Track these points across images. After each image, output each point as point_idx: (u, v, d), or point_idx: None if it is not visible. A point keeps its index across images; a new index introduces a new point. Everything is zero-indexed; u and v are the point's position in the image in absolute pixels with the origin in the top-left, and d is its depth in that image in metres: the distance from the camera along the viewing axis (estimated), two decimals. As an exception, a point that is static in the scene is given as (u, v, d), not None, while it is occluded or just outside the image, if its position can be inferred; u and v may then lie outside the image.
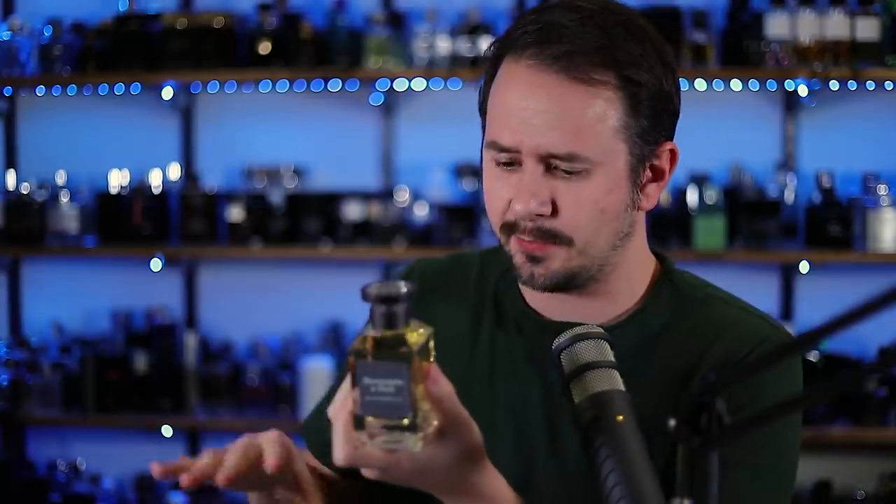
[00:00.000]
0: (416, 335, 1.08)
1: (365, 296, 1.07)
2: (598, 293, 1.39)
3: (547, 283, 1.34)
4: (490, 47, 1.38)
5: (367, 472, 1.13)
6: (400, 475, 1.12)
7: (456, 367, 1.44)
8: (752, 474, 1.31)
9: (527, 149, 1.30)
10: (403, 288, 1.07)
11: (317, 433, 1.51)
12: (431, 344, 1.11)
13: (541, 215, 1.31)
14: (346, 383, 1.10)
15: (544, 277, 1.34)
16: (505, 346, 1.43)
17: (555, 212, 1.31)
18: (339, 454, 1.10)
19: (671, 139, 1.37)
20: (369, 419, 1.08)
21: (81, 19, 3.68)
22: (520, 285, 1.44)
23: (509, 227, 1.34)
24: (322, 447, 1.48)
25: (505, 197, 1.33)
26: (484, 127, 1.38)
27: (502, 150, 1.32)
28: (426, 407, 1.09)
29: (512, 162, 1.32)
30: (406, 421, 1.07)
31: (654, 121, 1.33)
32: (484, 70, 1.39)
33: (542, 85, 1.29)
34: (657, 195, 1.39)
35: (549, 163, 1.30)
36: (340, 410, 1.10)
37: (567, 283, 1.35)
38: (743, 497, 1.30)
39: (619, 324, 1.38)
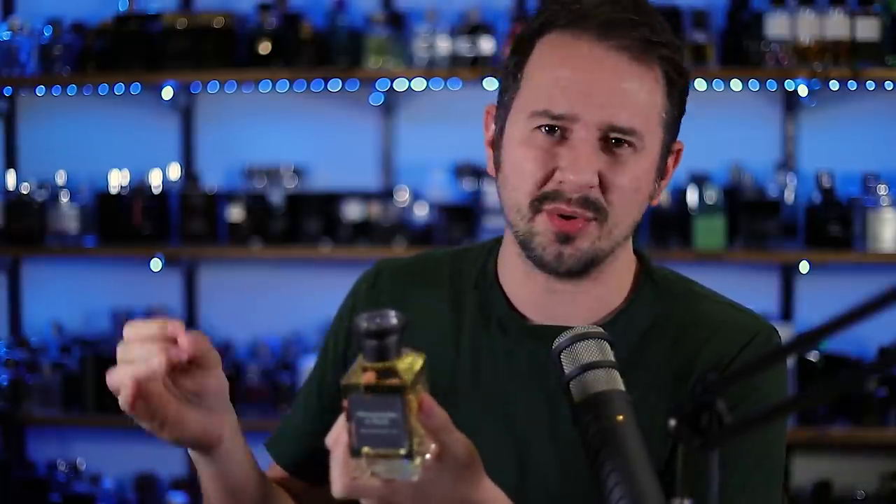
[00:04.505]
0: (409, 365, 1.07)
1: (355, 329, 1.07)
2: (596, 282, 1.38)
3: (574, 263, 1.34)
4: (531, 22, 1.38)
5: (366, 502, 1.13)
6: (400, 500, 1.11)
7: (439, 366, 1.43)
8: (748, 473, 1.32)
9: (588, 119, 1.31)
10: (394, 320, 1.06)
11: (287, 447, 1.53)
12: (425, 371, 1.10)
13: (591, 187, 1.31)
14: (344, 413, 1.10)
15: (573, 257, 1.34)
16: (489, 347, 1.43)
17: (602, 186, 1.32)
18: (337, 485, 1.10)
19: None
20: (366, 449, 1.08)
21: (81, 19, 3.68)
22: (503, 287, 1.43)
23: (545, 199, 1.33)
24: (287, 458, 1.51)
25: (545, 168, 1.33)
26: (510, 98, 1.37)
27: (555, 117, 1.31)
28: (422, 432, 1.09)
29: (555, 129, 1.32)
30: (403, 451, 1.07)
31: (679, 112, 1.38)
32: (515, 44, 1.39)
33: (604, 61, 1.31)
34: (661, 193, 1.41)
35: (605, 136, 1.32)
36: (338, 440, 1.10)
37: (588, 267, 1.35)
38: (739, 496, 1.30)
39: (606, 324, 1.38)
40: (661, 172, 1.38)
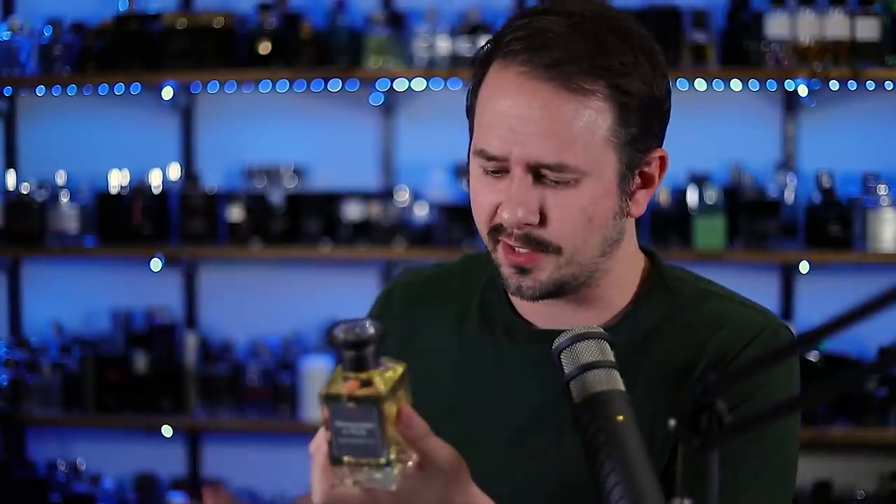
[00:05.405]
0: (387, 376, 1.08)
1: (332, 340, 1.07)
2: (589, 299, 1.38)
3: (535, 293, 1.34)
4: (480, 49, 1.37)
5: None
6: None
7: (446, 378, 1.43)
8: (754, 473, 1.31)
9: (515, 158, 1.29)
10: (371, 330, 1.06)
11: None
12: (406, 380, 1.10)
13: (528, 224, 1.30)
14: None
15: (532, 289, 1.33)
16: (495, 354, 1.42)
17: (543, 220, 1.30)
18: (317, 493, 1.10)
19: (661, 145, 1.36)
20: (346, 458, 1.08)
21: (81, 19, 3.68)
22: (509, 294, 1.43)
23: (496, 231, 1.33)
24: None
25: (492, 202, 1.32)
26: (471, 130, 1.37)
27: (490, 158, 1.31)
28: (402, 441, 1.09)
29: (500, 170, 1.31)
30: (381, 460, 1.07)
31: (643, 128, 1.32)
32: (473, 66, 1.38)
33: (532, 93, 1.28)
34: (646, 201, 1.37)
35: (537, 172, 1.29)
36: (319, 448, 1.10)
37: (556, 292, 1.34)
38: (744, 496, 1.30)
39: (612, 326, 1.37)
40: (628, 190, 1.33)
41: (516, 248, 1.32)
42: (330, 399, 1.07)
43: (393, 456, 1.08)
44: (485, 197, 1.33)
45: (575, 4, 1.32)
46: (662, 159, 1.37)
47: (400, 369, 1.10)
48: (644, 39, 1.33)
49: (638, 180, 1.35)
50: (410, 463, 1.10)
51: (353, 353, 1.07)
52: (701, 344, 1.36)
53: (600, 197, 1.31)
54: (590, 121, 1.28)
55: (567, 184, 1.29)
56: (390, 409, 1.07)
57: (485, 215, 1.34)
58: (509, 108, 1.29)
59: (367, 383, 1.06)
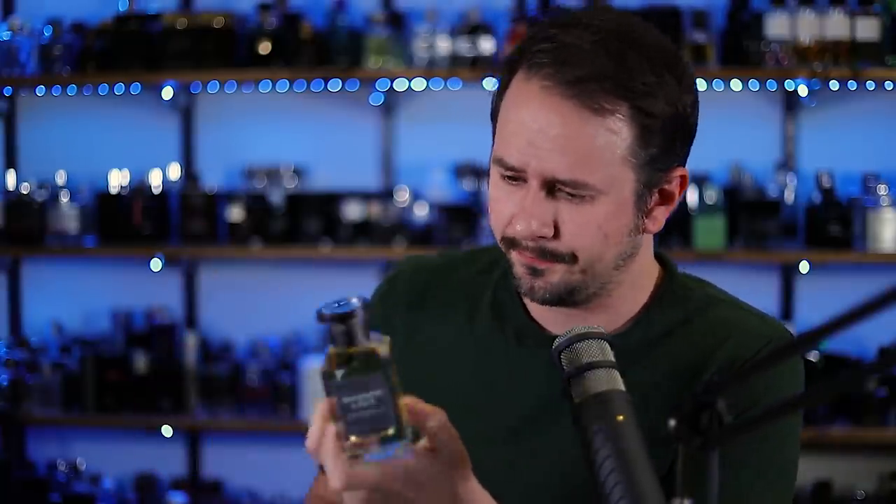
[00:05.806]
0: (382, 344, 1.08)
1: (320, 318, 1.08)
2: (602, 307, 1.39)
3: (547, 296, 1.34)
4: (508, 56, 1.36)
5: (360, 496, 1.12)
6: (396, 487, 1.11)
7: (453, 375, 1.43)
8: (755, 473, 1.31)
9: (532, 171, 1.29)
10: (356, 302, 1.08)
11: None
12: (392, 354, 1.11)
13: (542, 237, 1.31)
14: (318, 412, 1.10)
15: (544, 290, 1.34)
16: (505, 354, 1.43)
17: (556, 233, 1.31)
18: (335, 478, 1.10)
19: (684, 164, 1.36)
20: (354, 439, 1.08)
21: (81, 19, 3.68)
22: (521, 296, 1.43)
23: (510, 242, 1.34)
24: None
25: (508, 212, 1.33)
26: (494, 134, 1.37)
27: (508, 168, 1.31)
28: (408, 417, 1.09)
29: (517, 178, 1.32)
30: (392, 430, 1.07)
31: (665, 149, 1.32)
32: (498, 74, 1.37)
33: (553, 109, 1.28)
34: (664, 218, 1.37)
35: (553, 186, 1.30)
36: (322, 439, 1.10)
37: (567, 298, 1.35)
38: (746, 496, 1.30)
39: (622, 332, 1.38)
40: (645, 208, 1.34)
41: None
42: (331, 376, 1.07)
43: (403, 426, 1.08)
44: (503, 206, 1.34)
45: (602, 16, 1.32)
46: (683, 178, 1.37)
47: (387, 342, 1.10)
48: (669, 54, 1.32)
49: (657, 197, 1.35)
50: (420, 444, 1.10)
51: (342, 328, 1.07)
52: (709, 351, 1.36)
53: (615, 214, 1.31)
54: (608, 140, 1.28)
55: (582, 199, 1.30)
56: (395, 375, 1.08)
57: (500, 224, 1.35)
58: (530, 120, 1.29)
59: (366, 352, 1.07)
